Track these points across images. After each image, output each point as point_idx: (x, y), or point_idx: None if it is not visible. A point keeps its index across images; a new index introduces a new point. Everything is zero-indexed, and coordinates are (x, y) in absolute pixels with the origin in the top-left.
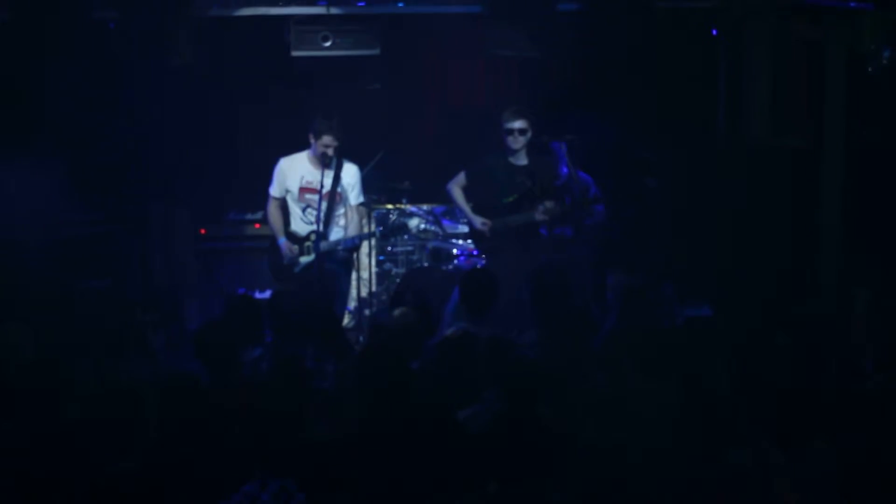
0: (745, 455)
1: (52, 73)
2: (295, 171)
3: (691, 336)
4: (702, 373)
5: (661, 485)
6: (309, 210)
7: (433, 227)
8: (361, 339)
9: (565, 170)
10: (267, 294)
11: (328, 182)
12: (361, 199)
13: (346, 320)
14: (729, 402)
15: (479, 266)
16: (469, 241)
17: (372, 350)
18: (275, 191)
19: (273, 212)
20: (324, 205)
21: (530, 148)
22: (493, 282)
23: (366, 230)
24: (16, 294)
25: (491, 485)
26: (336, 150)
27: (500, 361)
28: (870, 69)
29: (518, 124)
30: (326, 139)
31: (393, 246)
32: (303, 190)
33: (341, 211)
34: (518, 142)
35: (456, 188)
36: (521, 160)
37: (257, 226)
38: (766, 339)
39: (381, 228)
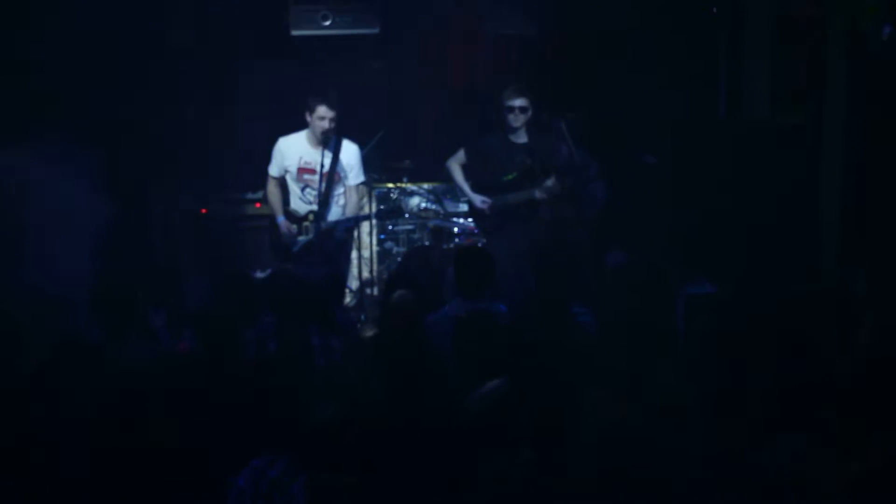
0: (743, 445)
1: (49, 48)
2: (293, 152)
3: (690, 315)
4: (701, 354)
5: (660, 468)
6: (308, 190)
7: (434, 206)
8: (363, 317)
9: (565, 148)
10: (267, 273)
11: (327, 162)
12: (361, 179)
13: (347, 299)
14: (730, 387)
15: (475, 244)
16: (470, 219)
17: (386, 331)
18: (273, 170)
19: (272, 191)
20: (323, 185)
21: (530, 126)
22: (487, 260)
23: (365, 210)
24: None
25: (524, 451)
26: (333, 121)
27: (515, 343)
28: (870, 47)
29: (518, 102)
30: (322, 110)
31: (394, 225)
32: (301, 170)
33: (340, 191)
34: (518, 120)
35: (455, 166)
36: (521, 138)
37: (258, 205)
38: (767, 321)
39: (382, 207)
